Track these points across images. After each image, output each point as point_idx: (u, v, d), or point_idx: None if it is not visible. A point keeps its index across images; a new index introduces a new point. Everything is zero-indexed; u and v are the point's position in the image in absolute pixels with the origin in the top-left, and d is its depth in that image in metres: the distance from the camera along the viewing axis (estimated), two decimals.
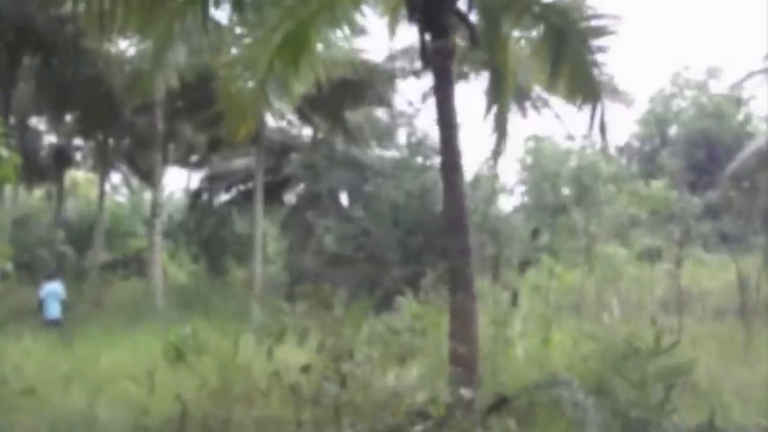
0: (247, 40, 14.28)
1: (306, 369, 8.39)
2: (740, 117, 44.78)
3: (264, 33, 13.23)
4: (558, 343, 11.89)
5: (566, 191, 26.64)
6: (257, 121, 15.17)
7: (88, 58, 27.87)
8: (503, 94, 13.72)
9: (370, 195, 27.22)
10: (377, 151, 36.28)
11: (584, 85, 13.02)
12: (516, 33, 13.71)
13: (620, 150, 46.80)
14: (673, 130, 46.03)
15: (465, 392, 8.13)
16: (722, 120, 43.26)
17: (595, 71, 12.96)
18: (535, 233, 23.45)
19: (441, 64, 11.61)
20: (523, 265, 23.96)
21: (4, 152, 10.32)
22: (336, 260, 26.74)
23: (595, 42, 12.78)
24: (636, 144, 47.78)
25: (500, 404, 8.95)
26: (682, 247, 21.45)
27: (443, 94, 11.66)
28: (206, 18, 13.62)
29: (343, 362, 7.97)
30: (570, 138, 36.32)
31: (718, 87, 45.35)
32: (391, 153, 37.54)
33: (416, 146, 26.70)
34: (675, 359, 8.62)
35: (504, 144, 14.35)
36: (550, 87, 13.83)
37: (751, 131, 44.33)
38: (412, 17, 12.14)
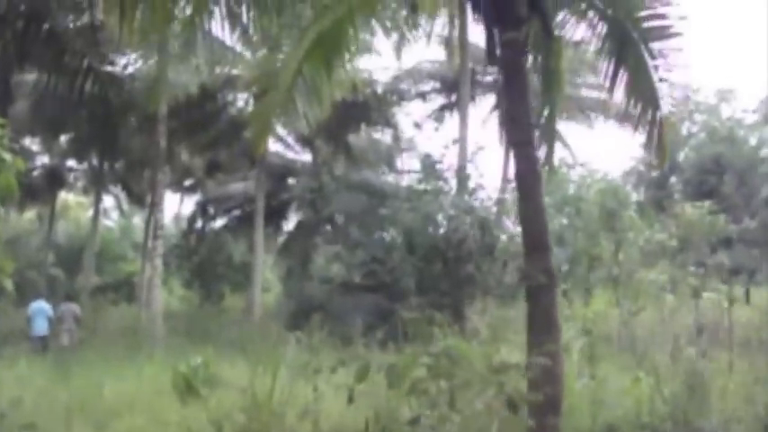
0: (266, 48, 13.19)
1: (414, 421, 7.00)
2: (753, 142, 43.65)
3: (294, 36, 12.09)
4: (628, 381, 10.58)
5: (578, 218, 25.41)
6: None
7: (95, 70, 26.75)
8: (554, 101, 12.55)
9: (382, 220, 25.94)
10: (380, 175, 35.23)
11: (644, 93, 11.85)
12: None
13: (626, 175, 45.47)
14: (682, 155, 44.80)
15: None
16: (734, 145, 42.14)
17: (655, 77, 11.81)
18: None
19: (512, 59, 10.37)
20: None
21: (7, 156, 9.03)
22: (346, 289, 25.44)
23: (658, 45, 11.64)
24: (641, 169, 46.47)
25: None
26: (731, 277, 20.37)
27: (516, 91, 10.43)
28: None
29: (454, 410, 6.66)
30: (569, 165, 35.01)
31: (730, 111, 44.31)
32: (392, 177, 36.59)
33: (431, 167, 25.47)
34: None
35: (553, 156, 13.19)
36: (608, 95, 12.56)
37: (764, 157, 43.18)
38: (477, 7, 10.92)
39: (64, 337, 22.41)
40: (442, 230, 24.63)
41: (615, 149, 66.78)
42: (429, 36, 30.92)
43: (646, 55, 11.60)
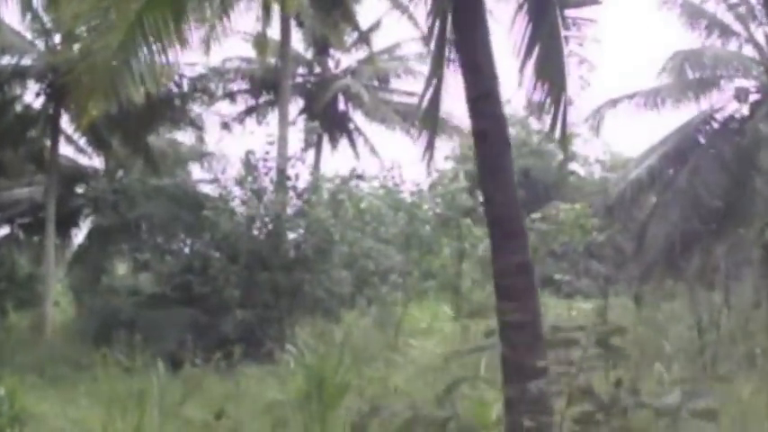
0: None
1: None
2: (560, 155, 43.77)
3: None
4: None
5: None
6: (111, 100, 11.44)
7: None
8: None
9: (198, 225, 23.47)
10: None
11: (553, 69, 10.17)
12: None
13: (431, 187, 44.55)
14: None
15: None
16: (543, 158, 42.09)
17: (565, 51, 10.17)
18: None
19: None
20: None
21: None
22: (157, 302, 22.84)
23: (573, 13, 10.02)
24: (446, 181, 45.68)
25: None
26: (607, 285, 19.28)
27: (474, 29, 8.49)
28: None
29: None
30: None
31: (538, 124, 44.25)
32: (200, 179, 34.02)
33: (253, 167, 23.22)
34: None
35: (435, 136, 11.42)
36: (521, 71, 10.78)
37: (573, 170, 43.47)
38: None
39: None
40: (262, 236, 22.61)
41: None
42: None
43: (560, 23, 9.99)
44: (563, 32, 10.01)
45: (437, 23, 10.17)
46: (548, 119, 10.26)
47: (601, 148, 43.87)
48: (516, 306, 7.64)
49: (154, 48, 10.55)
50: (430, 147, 11.60)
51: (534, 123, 44.08)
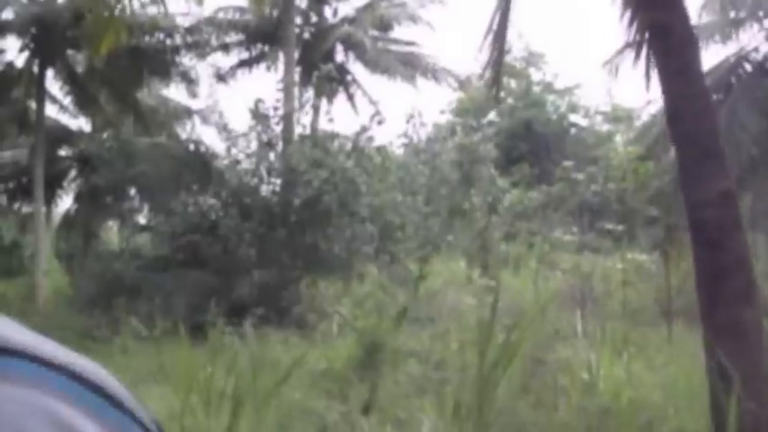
0: None
1: None
2: (563, 107, 42.12)
3: None
4: None
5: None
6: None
7: None
8: None
9: (202, 182, 21.83)
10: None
11: None
12: None
13: (429, 141, 42.80)
14: (485, 120, 42.59)
15: None
16: (543, 110, 40.61)
17: None
18: None
19: None
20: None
21: None
22: (160, 265, 21.24)
23: None
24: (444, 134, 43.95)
25: None
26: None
27: None
28: None
29: None
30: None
31: (539, 75, 42.69)
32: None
33: (264, 117, 21.50)
34: None
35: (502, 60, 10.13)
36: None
37: (574, 122, 42.04)
38: None
39: None
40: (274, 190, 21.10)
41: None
42: None
43: None
44: None
45: None
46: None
47: (602, 99, 42.17)
48: (718, 246, 6.16)
49: None
50: (496, 79, 10.32)
51: (534, 74, 42.72)
